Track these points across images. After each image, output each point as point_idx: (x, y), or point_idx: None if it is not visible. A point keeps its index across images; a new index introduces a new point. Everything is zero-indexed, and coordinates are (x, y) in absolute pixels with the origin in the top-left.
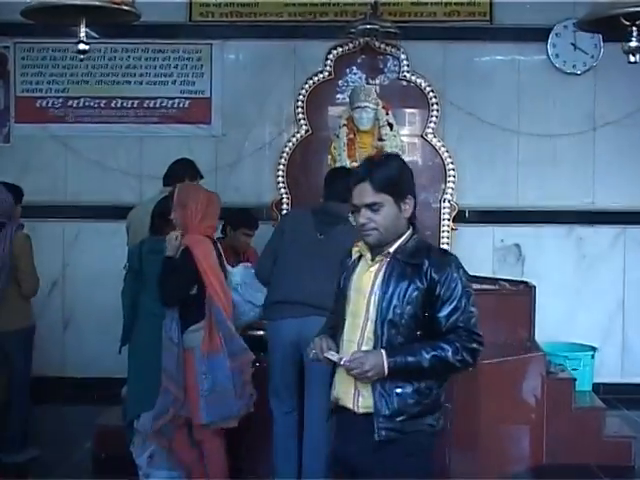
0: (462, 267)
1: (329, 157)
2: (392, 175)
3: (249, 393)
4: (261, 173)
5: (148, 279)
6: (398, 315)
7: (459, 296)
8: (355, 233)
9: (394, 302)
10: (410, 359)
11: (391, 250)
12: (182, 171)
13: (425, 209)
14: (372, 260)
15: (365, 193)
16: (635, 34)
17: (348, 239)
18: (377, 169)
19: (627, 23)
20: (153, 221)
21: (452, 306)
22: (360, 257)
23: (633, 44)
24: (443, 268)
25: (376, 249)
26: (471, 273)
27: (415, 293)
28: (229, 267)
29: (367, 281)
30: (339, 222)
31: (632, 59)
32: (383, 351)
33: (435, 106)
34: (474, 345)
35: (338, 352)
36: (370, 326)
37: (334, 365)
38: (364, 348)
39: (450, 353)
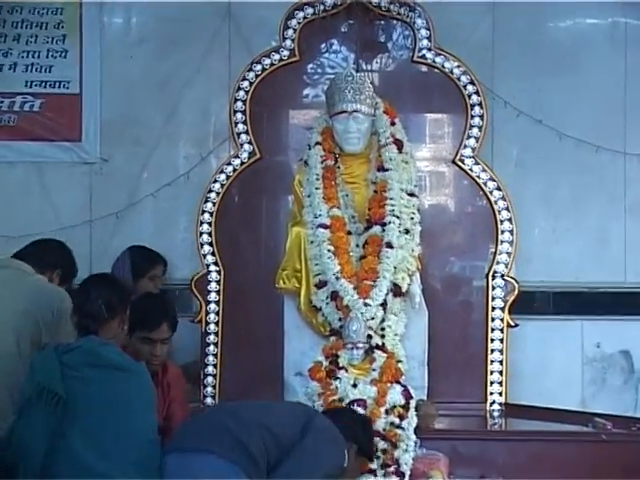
0: None
1: (291, 199)
2: None
3: None
4: (171, 227)
5: (81, 409)
6: None
7: None
8: None
9: None
10: None
11: None
12: (56, 259)
13: (461, 290)
14: None
15: None
16: None
17: None
18: None
19: None
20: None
21: None
22: None
23: None
24: None
25: None
26: (544, 404)
27: None
28: None
29: None
30: None
31: None
32: None
33: (477, 109)
34: None
35: None
36: None
37: None
38: None
39: None
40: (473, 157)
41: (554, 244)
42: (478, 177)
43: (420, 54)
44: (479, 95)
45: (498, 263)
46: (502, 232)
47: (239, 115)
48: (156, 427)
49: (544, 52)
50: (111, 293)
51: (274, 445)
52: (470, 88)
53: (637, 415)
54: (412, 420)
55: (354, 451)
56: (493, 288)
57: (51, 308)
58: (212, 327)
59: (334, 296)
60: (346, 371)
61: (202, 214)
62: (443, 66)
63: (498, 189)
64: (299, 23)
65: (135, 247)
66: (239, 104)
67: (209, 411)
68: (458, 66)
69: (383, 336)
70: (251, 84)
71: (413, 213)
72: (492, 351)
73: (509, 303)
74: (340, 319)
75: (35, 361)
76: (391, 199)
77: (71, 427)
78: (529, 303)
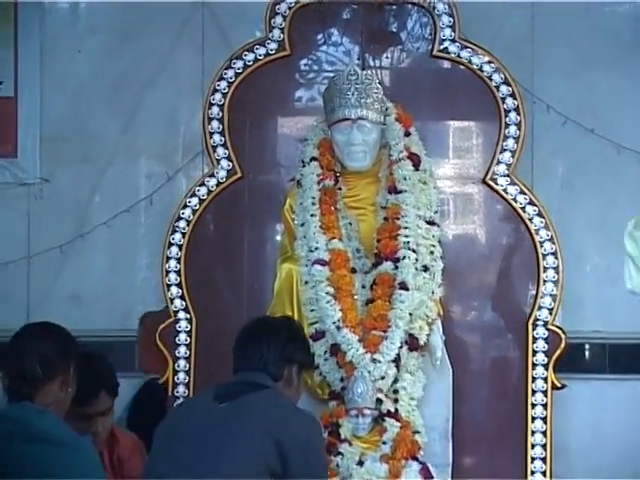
0: None
1: (281, 229)
2: None
3: None
4: (129, 264)
5: None
6: None
7: None
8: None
9: None
10: None
11: None
12: None
13: (494, 342)
14: None
15: None
16: None
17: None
18: None
19: None
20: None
21: None
22: None
23: None
24: None
25: None
26: None
27: None
28: None
29: None
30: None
31: None
32: None
33: (513, 115)
34: None
35: None
36: None
37: None
38: None
39: None
40: (508, 175)
41: (610, 284)
42: (514, 200)
43: (441, 47)
44: (515, 98)
45: (540, 308)
46: (545, 269)
47: (215, 123)
48: None
49: (597, 44)
50: (50, 347)
51: None
52: (504, 89)
53: None
54: None
55: (295, 371)
56: (534, 340)
57: None
58: (181, 389)
59: (334, 350)
60: (350, 444)
61: (169, 248)
62: (470, 62)
63: (540, 215)
64: (290, 8)
65: None
66: (215, 110)
67: None
68: (489, 62)
69: (396, 400)
70: (230, 85)
71: (433, 246)
72: (533, 419)
73: (554, 359)
74: (342, 379)
75: None
76: (405, 228)
77: None
78: (579, 359)
